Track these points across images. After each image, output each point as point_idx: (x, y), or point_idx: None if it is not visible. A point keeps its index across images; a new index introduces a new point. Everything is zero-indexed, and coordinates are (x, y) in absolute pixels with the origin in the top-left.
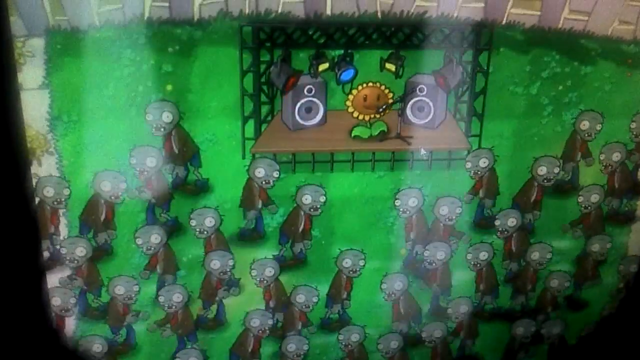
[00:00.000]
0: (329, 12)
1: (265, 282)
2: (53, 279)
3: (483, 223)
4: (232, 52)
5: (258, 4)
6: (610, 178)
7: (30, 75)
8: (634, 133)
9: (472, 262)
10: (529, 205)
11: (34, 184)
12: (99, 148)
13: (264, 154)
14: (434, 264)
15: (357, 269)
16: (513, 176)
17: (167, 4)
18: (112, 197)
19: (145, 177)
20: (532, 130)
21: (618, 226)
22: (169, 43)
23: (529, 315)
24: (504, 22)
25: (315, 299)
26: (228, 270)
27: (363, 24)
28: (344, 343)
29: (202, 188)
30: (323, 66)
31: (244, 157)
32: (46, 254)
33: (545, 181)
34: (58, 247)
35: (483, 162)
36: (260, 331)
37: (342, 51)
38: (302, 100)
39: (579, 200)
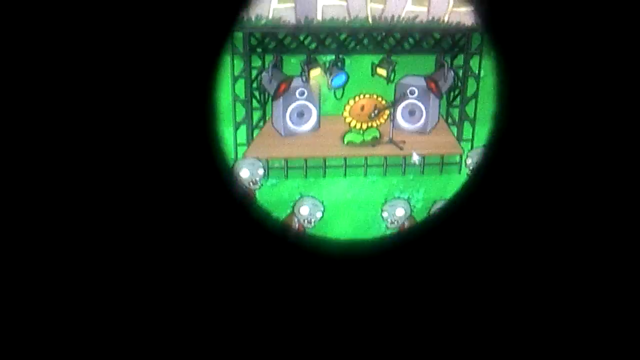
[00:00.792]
0: (319, 17)
1: None
2: None
3: None
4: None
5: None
6: None
7: None
8: None
9: None
10: None
11: None
12: None
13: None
14: None
15: None
16: None
17: None
18: None
19: None
20: None
21: None
22: None
23: None
24: None
25: None
26: None
27: (354, 29)
28: None
29: None
30: (315, 71)
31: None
32: None
33: None
34: None
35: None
36: None
37: (333, 56)
38: (294, 104)
39: None
